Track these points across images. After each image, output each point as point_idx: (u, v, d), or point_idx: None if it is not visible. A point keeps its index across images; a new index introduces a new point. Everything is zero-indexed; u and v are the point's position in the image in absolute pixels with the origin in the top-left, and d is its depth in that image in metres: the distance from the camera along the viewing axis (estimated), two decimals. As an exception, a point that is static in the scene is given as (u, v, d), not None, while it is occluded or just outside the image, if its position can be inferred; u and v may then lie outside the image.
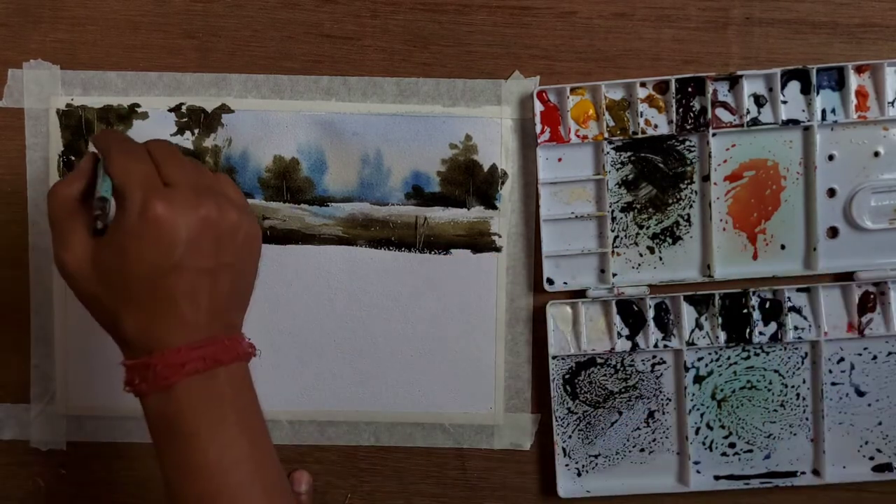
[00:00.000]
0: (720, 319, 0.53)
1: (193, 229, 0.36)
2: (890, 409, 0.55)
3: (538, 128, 0.52)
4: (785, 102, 0.52)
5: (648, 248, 0.54)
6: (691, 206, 0.53)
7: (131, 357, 0.38)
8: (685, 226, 0.54)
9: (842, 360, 0.54)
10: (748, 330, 0.53)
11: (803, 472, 0.55)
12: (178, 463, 0.37)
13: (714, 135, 0.52)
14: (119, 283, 0.37)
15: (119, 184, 0.37)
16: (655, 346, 0.53)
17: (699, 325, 0.54)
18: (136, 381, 0.37)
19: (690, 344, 0.53)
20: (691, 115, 0.52)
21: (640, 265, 0.54)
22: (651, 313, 0.53)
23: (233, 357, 0.38)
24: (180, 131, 0.53)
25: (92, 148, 0.44)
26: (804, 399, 0.54)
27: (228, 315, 0.39)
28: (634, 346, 0.54)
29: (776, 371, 0.54)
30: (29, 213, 0.54)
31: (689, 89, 0.52)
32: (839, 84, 0.52)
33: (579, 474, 0.55)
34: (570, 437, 0.55)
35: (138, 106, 0.53)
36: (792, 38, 0.53)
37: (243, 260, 0.40)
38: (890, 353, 0.54)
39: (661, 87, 0.53)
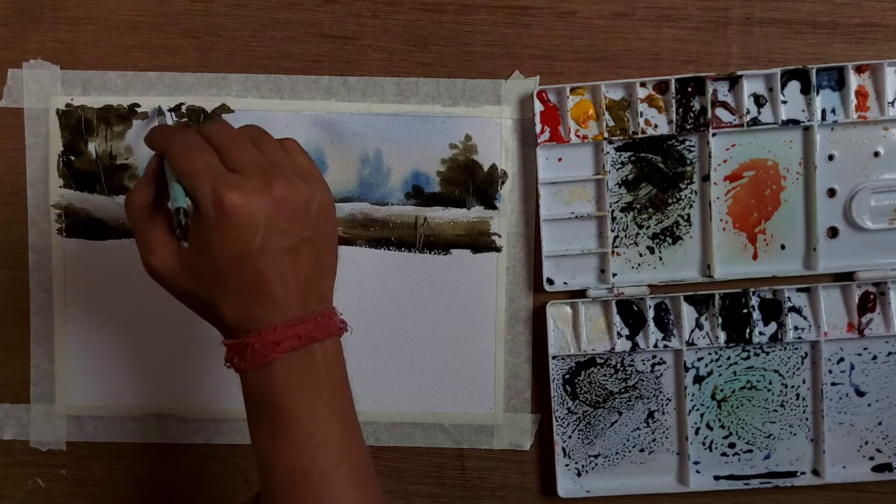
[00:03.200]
0: (720, 319, 0.53)
1: (268, 211, 0.37)
2: (890, 409, 0.55)
3: (538, 128, 0.52)
4: (785, 102, 0.52)
5: (648, 248, 0.54)
6: (691, 206, 0.53)
7: (230, 337, 0.39)
8: (685, 226, 0.54)
9: (842, 360, 0.54)
10: (748, 330, 0.53)
11: (803, 473, 0.55)
12: (273, 436, 0.38)
13: (714, 135, 0.52)
14: (209, 276, 0.38)
15: (187, 182, 0.37)
16: (655, 346, 0.53)
17: (699, 325, 0.54)
18: (236, 359, 0.38)
19: (690, 344, 0.53)
20: (691, 115, 0.52)
21: (640, 265, 0.54)
22: (651, 313, 0.53)
23: (326, 333, 0.39)
24: (180, 131, 0.53)
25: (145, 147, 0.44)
26: (804, 399, 0.54)
27: (317, 288, 0.40)
28: (634, 346, 0.54)
29: (776, 371, 0.54)
30: (29, 213, 0.54)
31: (689, 89, 0.52)
32: (839, 84, 0.52)
33: (579, 474, 0.55)
34: (570, 437, 0.55)
35: (138, 106, 0.53)
36: (792, 38, 0.53)
37: (321, 231, 0.40)
38: (890, 353, 0.54)
39: (661, 87, 0.53)
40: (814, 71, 0.52)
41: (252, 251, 0.37)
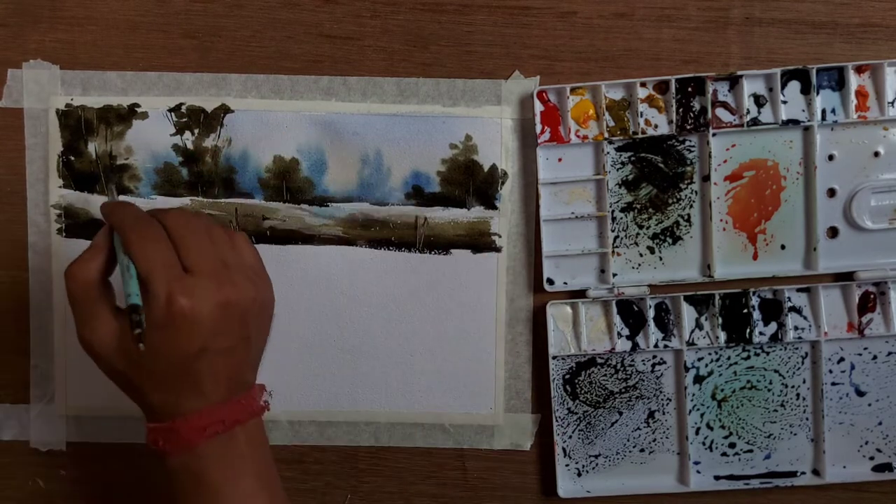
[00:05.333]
0: (720, 319, 0.53)
1: (216, 316, 0.38)
2: (890, 409, 0.55)
3: (538, 128, 0.52)
4: (785, 102, 0.52)
5: (648, 248, 0.54)
6: (691, 206, 0.53)
7: (154, 420, 0.39)
8: (685, 226, 0.54)
9: (842, 360, 0.54)
10: (748, 330, 0.53)
11: (803, 472, 0.55)
12: None
13: (714, 135, 0.52)
14: (143, 364, 0.38)
15: (141, 271, 0.38)
16: (655, 346, 0.53)
17: (699, 325, 0.54)
18: (160, 442, 0.39)
19: (690, 344, 0.53)
20: (691, 115, 0.52)
21: (640, 265, 0.54)
22: (651, 313, 0.53)
23: (249, 415, 0.40)
24: (180, 131, 0.53)
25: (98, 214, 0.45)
26: (804, 399, 0.54)
27: (244, 377, 0.41)
28: (634, 346, 0.54)
29: (776, 371, 0.54)
30: (29, 213, 0.54)
31: (689, 89, 0.52)
32: (839, 84, 0.52)
33: (579, 474, 0.55)
34: (570, 437, 0.55)
35: (138, 106, 0.53)
36: (792, 38, 0.53)
37: (260, 328, 0.41)
38: (890, 353, 0.54)
39: (661, 87, 0.53)
40: (814, 71, 0.52)
41: (193, 352, 0.38)
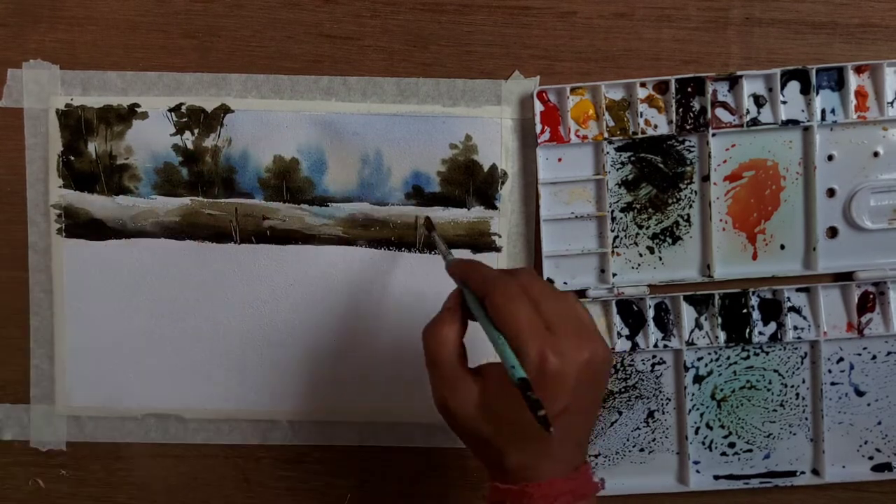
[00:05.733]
0: (720, 319, 0.53)
1: (579, 377, 0.37)
2: (889, 409, 0.55)
3: (538, 128, 0.52)
4: (784, 102, 0.52)
5: (648, 248, 0.54)
6: (691, 206, 0.54)
7: (503, 481, 0.39)
8: (685, 226, 0.54)
9: (841, 359, 0.54)
10: (748, 330, 0.53)
11: (803, 472, 0.55)
12: None
13: (714, 135, 0.52)
14: (508, 426, 0.38)
15: (511, 331, 0.37)
16: (655, 346, 0.54)
17: (699, 325, 0.54)
18: (507, 503, 0.39)
19: (690, 344, 0.54)
20: (691, 115, 0.52)
21: (639, 265, 0.54)
22: (651, 313, 0.53)
23: (593, 490, 0.40)
24: (180, 131, 0.53)
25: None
26: (804, 399, 0.55)
27: (584, 445, 0.41)
28: (634, 346, 0.54)
29: (776, 371, 0.54)
30: (29, 213, 0.54)
31: (689, 89, 0.52)
32: (839, 84, 0.52)
33: (579, 474, 0.55)
34: (569, 436, 0.55)
35: (138, 106, 0.53)
36: (792, 38, 0.53)
37: (603, 389, 0.41)
38: (889, 353, 0.54)
39: (661, 87, 0.53)
40: (813, 71, 0.52)
41: (557, 412, 0.37)
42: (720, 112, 0.53)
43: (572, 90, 0.52)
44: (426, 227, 0.52)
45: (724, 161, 0.53)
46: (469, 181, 0.53)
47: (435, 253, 0.54)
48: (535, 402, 0.35)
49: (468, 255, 0.54)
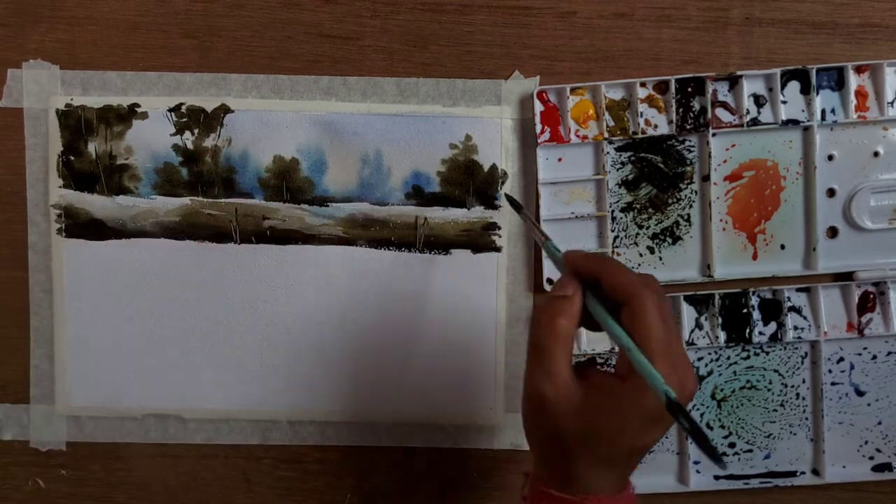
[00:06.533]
0: (720, 319, 0.53)
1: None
2: (889, 409, 0.55)
3: (538, 128, 0.52)
4: (785, 102, 0.52)
5: (648, 248, 0.54)
6: (691, 206, 0.54)
7: (559, 489, 0.38)
8: (685, 226, 0.54)
9: (841, 359, 0.54)
10: (748, 330, 0.53)
11: (803, 472, 0.55)
12: None
13: (714, 135, 0.52)
14: (599, 437, 0.36)
15: (653, 353, 0.35)
16: (655, 345, 0.53)
17: (699, 325, 0.54)
18: None
19: (690, 344, 0.53)
20: (691, 115, 0.52)
21: (640, 265, 0.54)
22: (651, 313, 0.53)
23: None
24: (180, 131, 0.53)
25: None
26: (804, 399, 0.55)
27: (634, 464, 0.40)
28: (634, 346, 0.54)
29: (776, 371, 0.54)
30: (28, 213, 0.54)
31: (689, 89, 0.52)
32: (839, 84, 0.52)
33: (579, 474, 0.55)
34: (570, 436, 0.55)
35: (138, 106, 0.53)
36: (792, 38, 0.53)
37: None
38: (889, 353, 0.54)
39: (661, 87, 0.53)
40: (814, 71, 0.52)
41: (650, 441, 0.36)
42: (720, 112, 0.53)
43: (572, 90, 0.52)
44: (512, 205, 0.49)
45: (725, 161, 0.53)
46: (469, 181, 0.53)
47: (435, 253, 0.54)
48: (712, 449, 0.31)
49: (468, 255, 0.54)
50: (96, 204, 0.53)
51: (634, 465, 0.38)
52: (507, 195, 0.52)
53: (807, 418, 0.55)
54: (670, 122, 0.52)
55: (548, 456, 0.39)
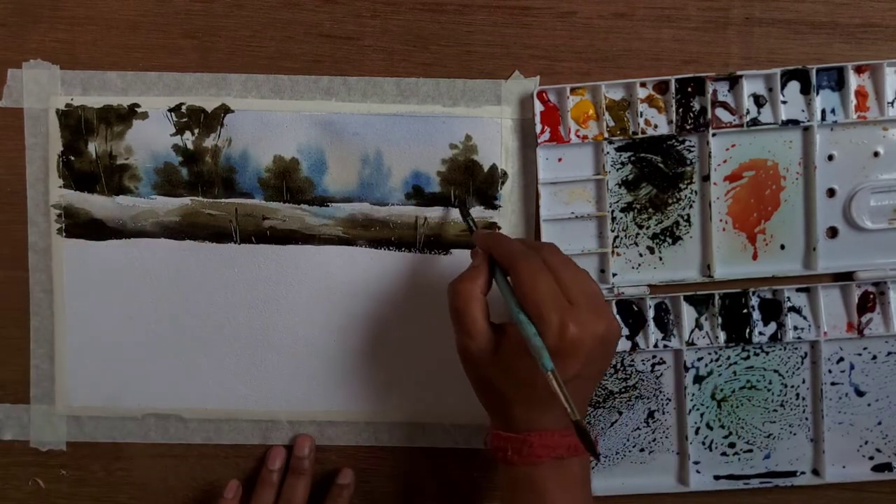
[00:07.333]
0: (720, 319, 0.53)
1: (593, 347, 0.40)
2: (889, 409, 0.55)
3: (538, 128, 0.52)
4: (785, 102, 0.52)
5: (648, 248, 0.54)
6: (691, 206, 0.54)
7: (505, 429, 0.43)
8: (685, 226, 0.54)
9: (841, 359, 0.54)
10: (748, 330, 0.53)
11: (803, 472, 0.55)
12: None
13: (714, 135, 0.52)
14: (518, 380, 0.42)
15: (533, 305, 0.40)
16: (655, 346, 0.53)
17: (699, 325, 0.54)
18: (509, 451, 0.43)
19: (690, 344, 0.54)
20: (691, 115, 0.52)
21: (640, 265, 0.54)
22: (651, 313, 0.53)
23: (589, 446, 0.41)
24: (180, 131, 0.53)
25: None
26: (804, 399, 0.55)
27: (586, 408, 0.44)
28: (634, 346, 0.54)
29: (776, 371, 0.54)
30: (29, 213, 0.54)
31: (689, 89, 0.52)
32: (839, 84, 0.52)
33: (579, 474, 0.55)
34: (570, 436, 0.55)
35: (138, 106, 0.53)
36: (792, 38, 0.53)
37: (610, 362, 0.45)
38: (889, 353, 0.54)
39: (661, 87, 0.53)
40: (814, 71, 0.52)
41: (570, 376, 0.40)
42: (720, 112, 0.53)
43: (572, 90, 0.52)
44: (460, 207, 0.53)
45: (724, 161, 0.53)
46: (469, 181, 0.53)
47: (435, 253, 0.54)
48: (584, 431, 0.38)
49: (468, 255, 0.54)
50: (96, 204, 0.53)
51: (573, 398, 0.40)
52: (461, 200, 0.53)
53: (807, 418, 0.55)
54: (670, 122, 0.52)
55: (489, 402, 0.45)
